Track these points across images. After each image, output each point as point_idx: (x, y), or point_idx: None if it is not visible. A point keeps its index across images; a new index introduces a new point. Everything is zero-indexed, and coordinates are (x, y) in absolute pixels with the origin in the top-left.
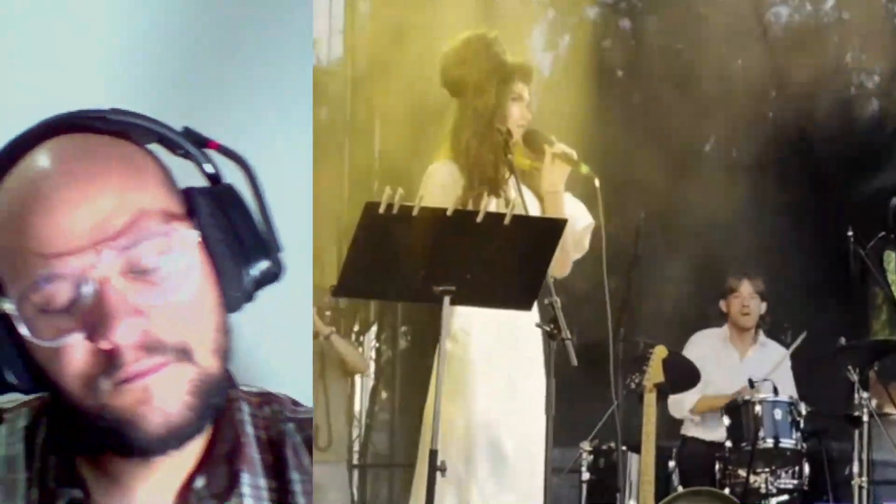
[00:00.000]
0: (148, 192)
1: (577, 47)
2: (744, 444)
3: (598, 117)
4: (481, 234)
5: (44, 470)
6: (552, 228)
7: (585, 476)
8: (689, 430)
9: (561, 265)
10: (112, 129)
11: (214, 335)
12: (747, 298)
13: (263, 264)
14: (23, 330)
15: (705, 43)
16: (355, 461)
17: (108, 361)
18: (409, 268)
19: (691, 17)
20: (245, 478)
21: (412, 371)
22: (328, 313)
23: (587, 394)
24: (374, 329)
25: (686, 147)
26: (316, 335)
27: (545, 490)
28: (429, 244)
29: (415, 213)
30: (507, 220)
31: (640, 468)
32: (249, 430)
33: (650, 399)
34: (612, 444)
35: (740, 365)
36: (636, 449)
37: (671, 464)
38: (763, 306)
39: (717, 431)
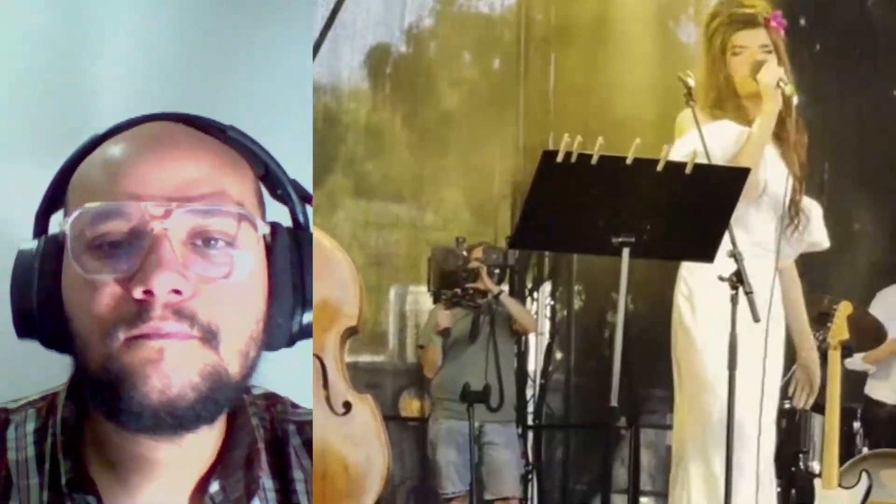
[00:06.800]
0: (236, 186)
1: None
2: None
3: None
4: (662, 183)
5: (55, 474)
6: (735, 177)
7: None
8: (873, 392)
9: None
10: (227, 140)
11: (247, 340)
12: None
13: (308, 317)
14: (68, 251)
15: None
16: (530, 422)
17: (134, 313)
18: (587, 218)
19: None
20: (264, 483)
21: (587, 331)
22: (497, 271)
23: None
24: (547, 287)
25: (877, 96)
26: (485, 294)
27: (727, 448)
28: (608, 194)
29: (593, 161)
30: (688, 170)
31: (823, 429)
32: (261, 433)
33: (834, 357)
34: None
35: None
36: (820, 409)
37: (856, 425)
38: None
39: None
